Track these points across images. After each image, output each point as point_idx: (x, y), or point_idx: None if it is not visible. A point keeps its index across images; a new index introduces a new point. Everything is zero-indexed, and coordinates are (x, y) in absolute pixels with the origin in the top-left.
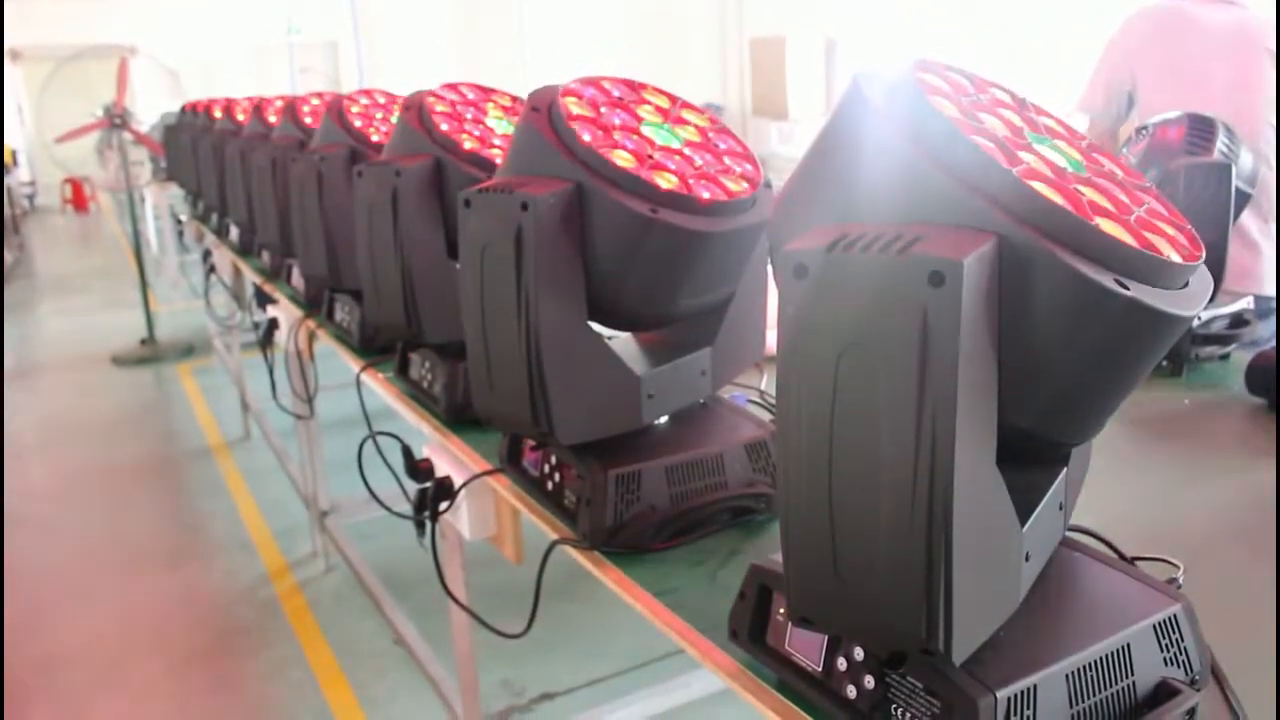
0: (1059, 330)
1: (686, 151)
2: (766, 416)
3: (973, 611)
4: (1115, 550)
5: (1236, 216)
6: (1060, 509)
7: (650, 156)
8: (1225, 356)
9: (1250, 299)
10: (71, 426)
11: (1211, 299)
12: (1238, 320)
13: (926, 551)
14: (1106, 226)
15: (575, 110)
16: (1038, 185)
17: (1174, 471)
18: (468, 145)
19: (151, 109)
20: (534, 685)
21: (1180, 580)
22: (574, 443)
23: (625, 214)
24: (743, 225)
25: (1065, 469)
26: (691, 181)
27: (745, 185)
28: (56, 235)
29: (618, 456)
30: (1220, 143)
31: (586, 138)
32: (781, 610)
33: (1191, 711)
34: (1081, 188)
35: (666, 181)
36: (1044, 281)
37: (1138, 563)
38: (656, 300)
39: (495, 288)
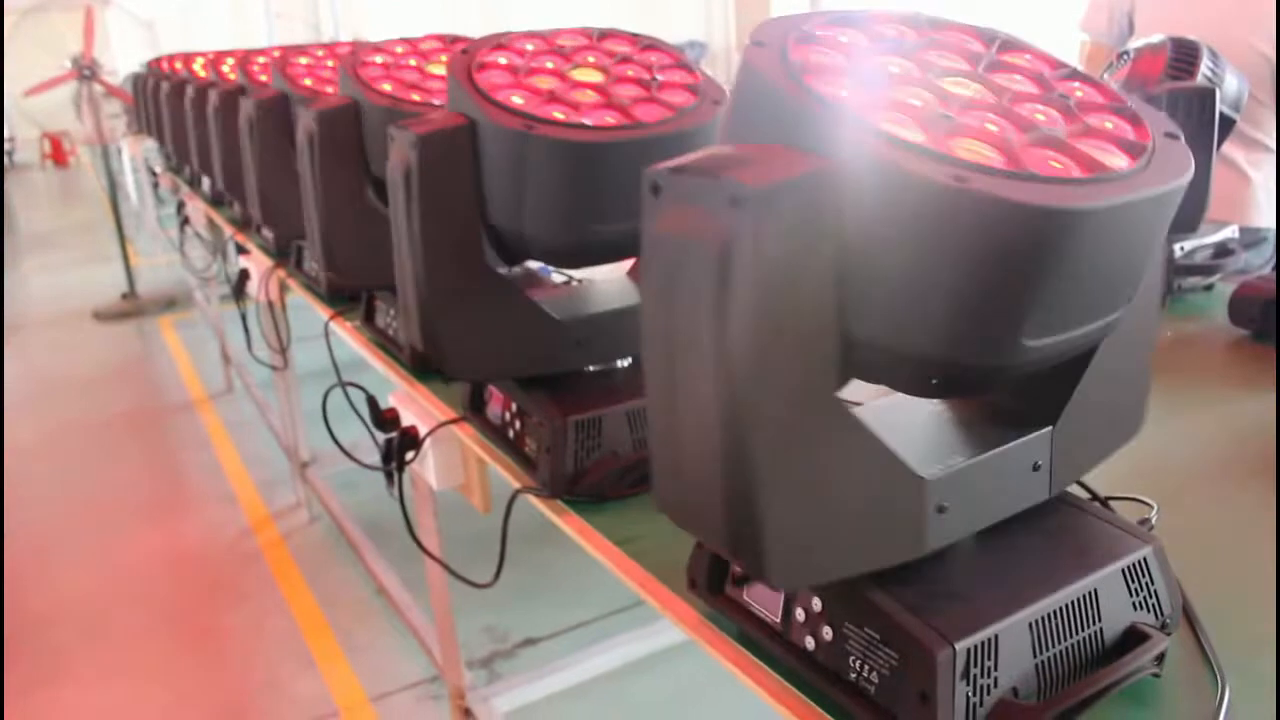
0: (904, 239)
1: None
2: None
3: (802, 542)
4: (1088, 490)
5: (1221, 143)
6: (1036, 469)
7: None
8: (1209, 287)
9: (1234, 228)
10: (55, 382)
11: (1195, 228)
12: (1222, 250)
13: (728, 472)
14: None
15: (491, 60)
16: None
17: (1154, 405)
18: (387, 88)
19: (129, 60)
20: (517, 631)
21: (1153, 520)
22: (465, 380)
23: (504, 135)
24: (649, 137)
25: (1052, 430)
26: (629, 106)
27: (687, 96)
28: (36, 191)
29: (578, 402)
30: (1204, 67)
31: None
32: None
33: (1160, 656)
34: (989, 125)
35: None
36: (891, 194)
37: (1110, 502)
38: (562, 227)
39: (399, 226)
